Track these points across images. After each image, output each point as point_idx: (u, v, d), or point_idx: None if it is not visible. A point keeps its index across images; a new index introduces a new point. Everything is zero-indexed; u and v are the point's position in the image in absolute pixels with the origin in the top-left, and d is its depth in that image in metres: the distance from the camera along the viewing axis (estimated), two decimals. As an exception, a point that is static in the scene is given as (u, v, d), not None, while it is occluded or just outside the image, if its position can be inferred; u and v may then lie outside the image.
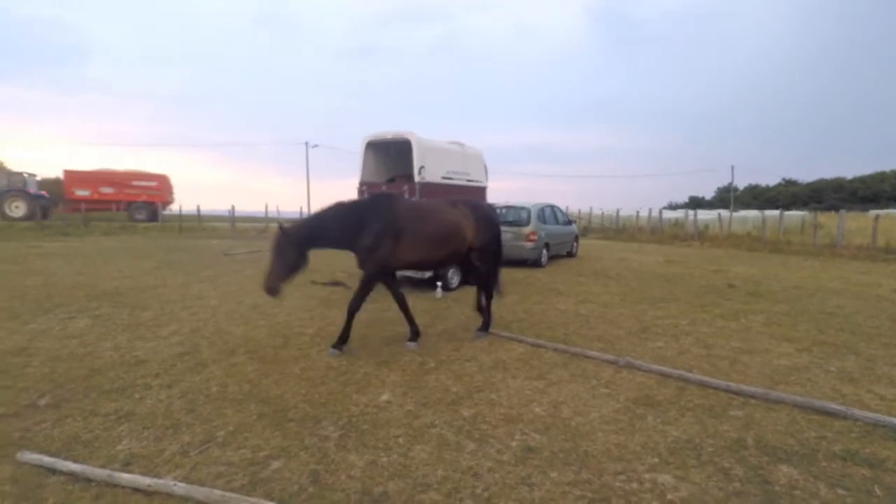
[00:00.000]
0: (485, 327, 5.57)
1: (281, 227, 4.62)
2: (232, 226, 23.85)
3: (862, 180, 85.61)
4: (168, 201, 26.93)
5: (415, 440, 3.06)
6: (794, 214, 26.15)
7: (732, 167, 51.27)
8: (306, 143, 33.67)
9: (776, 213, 22.61)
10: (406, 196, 7.82)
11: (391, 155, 8.95)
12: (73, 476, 2.60)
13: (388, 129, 8.31)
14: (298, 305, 7.10)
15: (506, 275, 10.34)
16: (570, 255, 14.40)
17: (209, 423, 3.28)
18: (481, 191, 9.59)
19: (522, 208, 12.27)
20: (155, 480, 2.50)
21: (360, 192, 8.51)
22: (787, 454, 2.88)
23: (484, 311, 5.63)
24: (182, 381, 4.02)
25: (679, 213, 25.23)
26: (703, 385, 3.97)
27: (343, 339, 4.87)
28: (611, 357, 4.63)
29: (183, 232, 22.37)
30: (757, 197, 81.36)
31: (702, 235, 20.56)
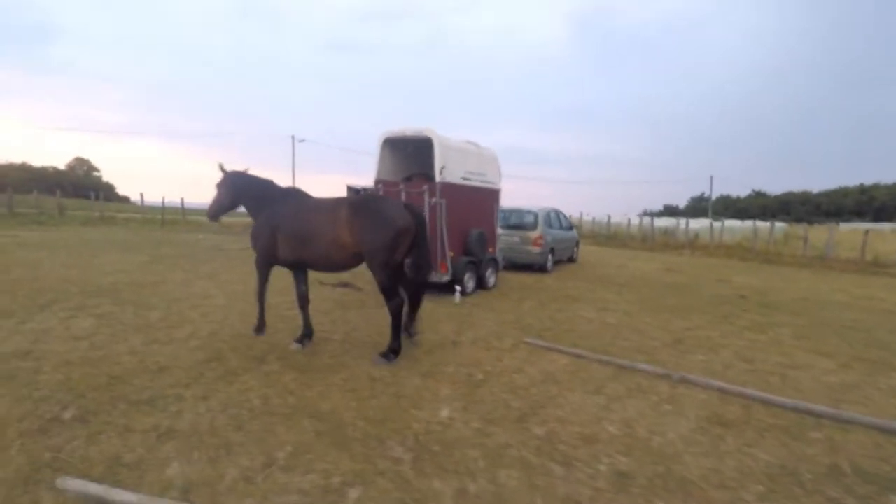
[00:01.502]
0: (388, 352, 4.61)
1: (222, 169, 5.34)
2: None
3: (826, 194, 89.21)
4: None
5: (496, 464, 2.82)
6: (778, 226, 26.80)
7: (711, 177, 52.34)
8: (293, 137, 32.90)
9: (765, 224, 23.10)
10: (427, 196, 7.56)
11: (409, 153, 8.66)
12: (128, 507, 2.28)
13: (406, 125, 8.02)
14: (314, 308, 6.72)
15: (515, 279, 10.26)
16: (571, 260, 14.34)
17: (263, 442, 2.98)
18: (496, 193, 9.39)
19: (529, 212, 12.14)
20: (232, 514, 2.20)
21: (377, 189, 8.21)
22: (889, 482, 2.76)
23: (393, 328, 4.63)
24: (217, 392, 3.69)
25: (670, 222, 25.57)
26: (767, 403, 3.85)
27: (261, 327, 5.28)
28: (663, 371, 4.48)
29: (166, 225, 21.52)
30: (728, 207, 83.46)
31: (693, 244, 20.84)
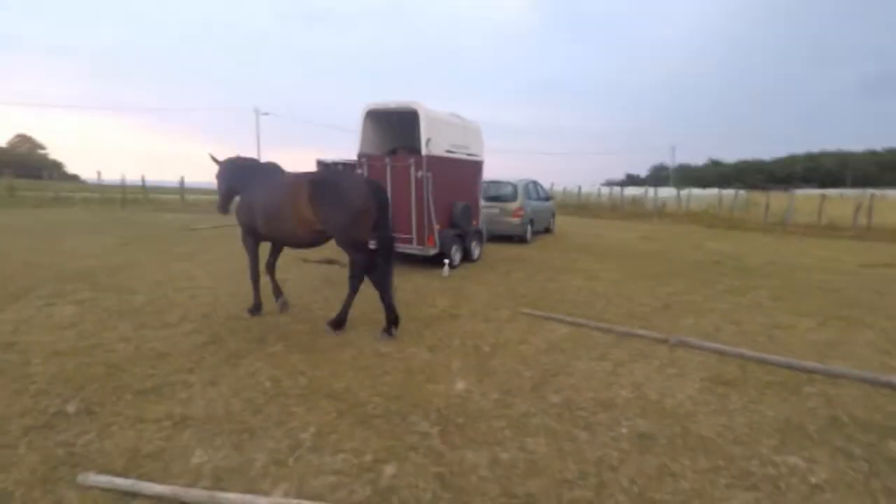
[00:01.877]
0: (388, 326, 4.60)
1: (214, 160, 5.47)
2: (182, 198, 22.11)
3: (777, 162, 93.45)
4: None
5: (522, 432, 2.88)
6: (739, 194, 27.78)
7: (673, 147, 53.80)
8: (256, 110, 31.51)
9: (728, 192, 23.92)
10: (413, 170, 7.43)
11: (393, 125, 8.43)
12: (161, 500, 2.21)
13: (390, 97, 7.82)
14: (302, 285, 6.66)
15: (498, 251, 10.31)
16: (547, 230, 14.49)
17: (284, 424, 2.93)
18: (479, 165, 9.31)
19: (508, 183, 12.14)
20: (275, 500, 2.16)
21: (360, 164, 8.00)
22: (886, 429, 2.96)
23: (385, 307, 4.61)
24: (224, 376, 3.59)
25: (638, 191, 26.13)
26: (762, 362, 4.04)
27: (257, 307, 5.23)
28: (661, 335, 4.63)
29: (127, 205, 20.46)
30: (687, 176, 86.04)
31: (661, 212, 21.42)
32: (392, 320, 4.60)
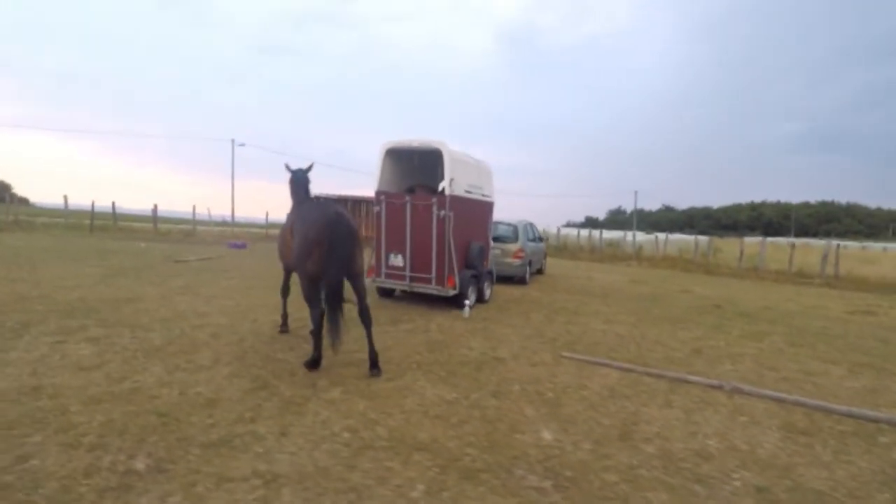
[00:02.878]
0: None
1: (288, 168, 5.67)
2: (154, 227, 21.14)
3: (724, 210, 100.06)
4: None
5: (639, 486, 2.76)
6: (703, 239, 29.24)
7: (636, 192, 56.51)
8: (232, 141, 30.99)
9: (703, 238, 25.08)
10: (436, 209, 7.40)
11: (414, 164, 8.44)
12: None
13: (412, 136, 7.84)
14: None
15: (501, 292, 10.29)
16: (540, 271, 14.65)
17: (387, 482, 2.70)
18: (491, 206, 9.40)
19: (509, 224, 12.30)
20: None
21: (378, 201, 7.91)
22: (978, 480, 3.03)
23: (314, 337, 4.55)
24: (294, 426, 3.31)
25: (617, 234, 27.05)
26: (825, 410, 4.11)
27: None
28: (714, 382, 4.66)
29: (95, 231, 19.36)
30: (642, 220, 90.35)
31: (639, 255, 22.17)
32: (315, 358, 4.51)
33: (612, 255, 23.58)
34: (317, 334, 4.51)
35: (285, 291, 5.83)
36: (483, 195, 8.96)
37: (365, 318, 4.67)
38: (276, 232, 26.33)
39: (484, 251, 8.70)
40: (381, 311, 7.07)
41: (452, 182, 7.52)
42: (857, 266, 17.66)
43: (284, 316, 5.81)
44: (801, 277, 16.93)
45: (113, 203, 21.50)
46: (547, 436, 3.39)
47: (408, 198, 7.74)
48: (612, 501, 2.61)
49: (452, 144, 7.66)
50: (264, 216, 28.39)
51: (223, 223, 28.56)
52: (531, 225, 13.66)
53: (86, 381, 3.88)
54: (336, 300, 4.51)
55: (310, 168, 5.74)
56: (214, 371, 4.31)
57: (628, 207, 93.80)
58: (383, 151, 7.98)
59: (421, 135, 8.48)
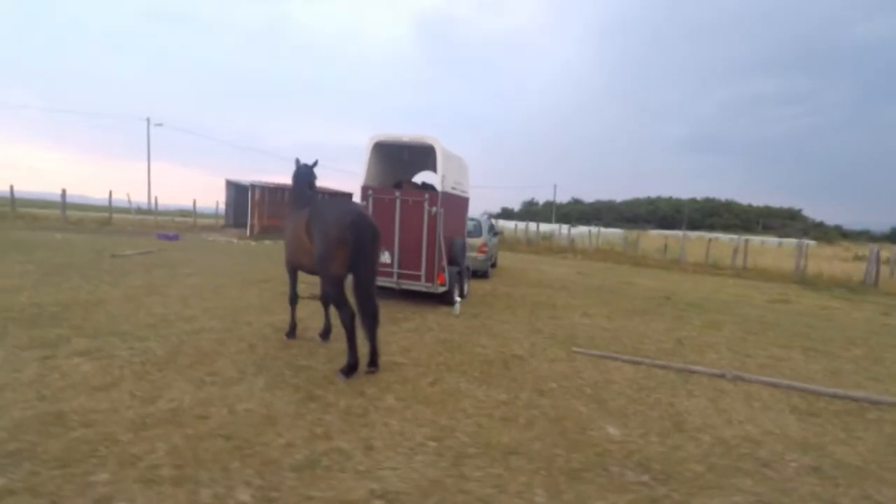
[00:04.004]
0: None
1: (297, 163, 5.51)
2: (63, 215, 18.58)
3: (626, 204, 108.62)
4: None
5: (723, 475, 3.03)
6: (617, 232, 31.65)
7: (555, 186, 59.48)
8: (148, 120, 27.89)
9: (633, 232, 27.10)
10: (427, 206, 7.34)
11: (403, 159, 8.25)
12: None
13: (401, 131, 7.67)
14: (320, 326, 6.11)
15: (471, 287, 10.44)
16: (493, 265, 15.04)
17: (504, 488, 2.72)
18: (467, 202, 9.48)
19: (472, 219, 12.46)
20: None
21: (365, 196, 7.65)
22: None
23: (349, 342, 4.35)
24: (373, 439, 3.21)
25: (552, 227, 28.36)
26: (814, 393, 4.73)
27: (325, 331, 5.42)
28: (717, 371, 5.17)
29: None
30: (554, 212, 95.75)
31: (573, 249, 23.51)
32: (351, 364, 4.32)
33: (548, 247, 24.77)
34: (351, 338, 4.34)
35: (295, 298, 5.44)
36: (463, 191, 9.03)
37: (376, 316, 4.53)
38: (208, 222, 24.42)
39: (464, 247, 8.80)
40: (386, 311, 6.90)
41: (444, 179, 7.51)
42: (752, 258, 20.19)
43: (294, 324, 5.44)
44: (715, 269, 19.01)
45: (11, 187, 18.48)
46: (613, 431, 3.59)
47: (397, 193, 7.60)
48: (711, 490, 2.86)
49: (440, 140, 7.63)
50: (167, 202, 25.86)
51: (148, 211, 25.75)
52: (490, 219, 13.96)
53: (111, 402, 3.44)
54: (369, 301, 4.40)
55: (315, 164, 5.51)
56: (247, 384, 4.01)
57: (540, 199, 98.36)
58: (371, 145, 7.74)
59: (410, 130, 8.31)
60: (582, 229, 27.53)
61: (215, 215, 25.16)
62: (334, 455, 2.98)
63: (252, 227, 20.74)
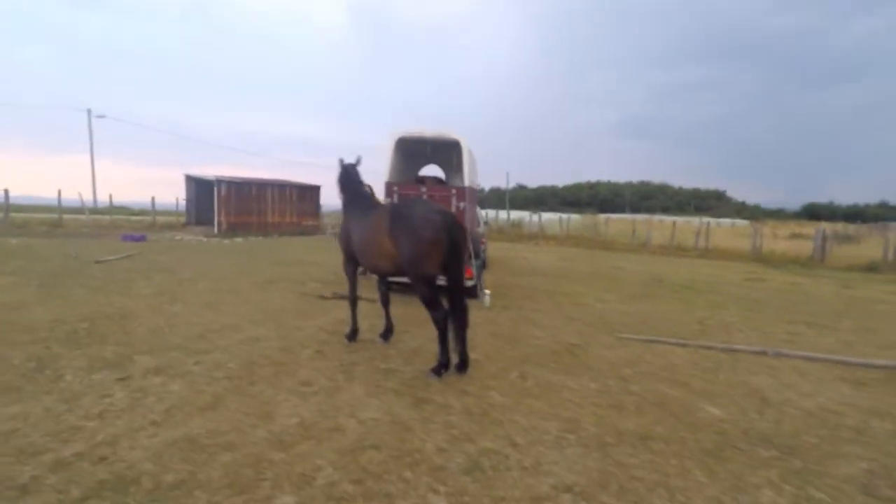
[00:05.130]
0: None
1: (341, 163, 5.47)
2: (6, 216, 16.80)
3: (568, 189, 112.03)
4: None
5: (833, 444, 3.35)
6: (575, 217, 32.84)
7: (507, 173, 60.55)
8: (88, 111, 25.56)
9: (602, 216, 28.11)
10: (455, 201, 7.36)
11: (426, 155, 8.15)
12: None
13: (422, 126, 7.59)
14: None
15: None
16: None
17: (667, 474, 2.89)
18: (476, 194, 9.56)
19: (467, 211, 12.56)
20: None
21: (390, 192, 7.54)
22: None
23: (440, 342, 4.38)
24: (514, 436, 3.28)
25: (522, 214, 28.91)
26: (845, 364, 5.25)
27: (389, 330, 5.39)
28: (759, 348, 5.61)
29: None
30: (500, 198, 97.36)
31: (544, 235, 24.16)
32: (443, 363, 4.36)
33: (518, 234, 25.31)
34: (443, 338, 4.36)
35: (355, 300, 5.36)
36: (476, 184, 9.09)
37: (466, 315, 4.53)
38: (167, 220, 22.80)
39: (480, 240, 8.89)
40: (403, 308, 6.88)
41: (469, 173, 7.54)
42: (699, 239, 21.68)
43: (356, 328, 5.33)
44: (681, 251, 20.20)
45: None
46: (714, 411, 3.85)
47: (424, 189, 7.55)
48: (836, 459, 3.15)
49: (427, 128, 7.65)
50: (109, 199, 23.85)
51: (103, 210, 23.62)
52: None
53: (230, 422, 3.28)
54: (462, 300, 4.43)
55: (358, 162, 5.42)
56: (348, 392, 3.93)
57: (486, 186, 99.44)
58: (393, 141, 7.62)
59: (431, 125, 8.25)
60: (551, 216, 28.31)
61: (175, 212, 23.61)
62: (490, 455, 3.03)
63: (219, 224, 19.71)
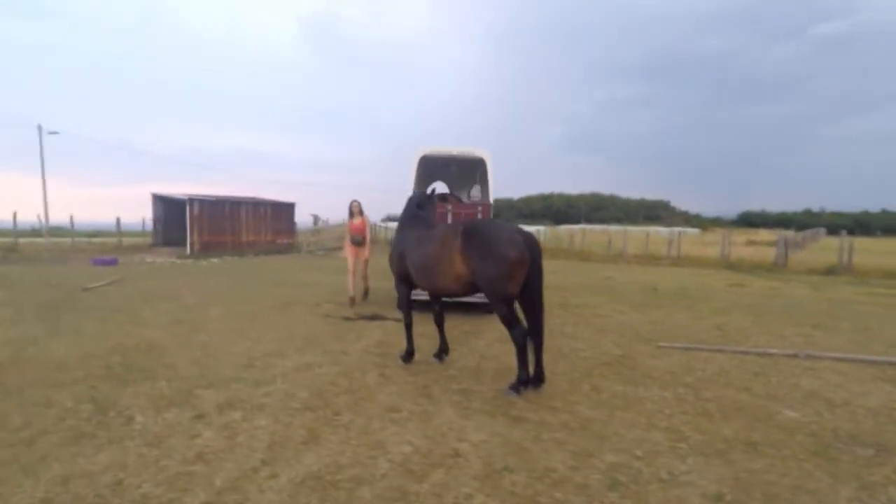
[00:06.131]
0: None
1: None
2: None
3: (522, 201, 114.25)
4: None
5: (914, 439, 3.59)
6: (573, 228, 33.77)
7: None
8: (39, 127, 23.82)
9: (576, 227, 28.80)
10: (481, 217, 7.39)
11: (451, 171, 8.13)
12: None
13: (446, 144, 7.59)
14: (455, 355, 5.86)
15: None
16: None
17: (796, 476, 2.99)
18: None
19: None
20: None
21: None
22: None
23: (519, 359, 4.33)
24: (631, 450, 3.30)
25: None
26: (874, 363, 5.61)
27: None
28: (791, 351, 5.91)
29: None
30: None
31: (521, 248, 24.56)
32: (522, 379, 4.33)
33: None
34: (523, 355, 4.34)
35: (410, 323, 5.28)
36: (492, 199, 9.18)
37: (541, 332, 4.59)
38: (135, 241, 21.41)
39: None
40: (430, 327, 6.81)
41: (493, 189, 7.62)
42: (671, 248, 22.78)
43: (411, 351, 5.26)
44: (655, 259, 21.06)
45: None
46: (792, 414, 4.02)
47: (448, 207, 7.55)
48: (927, 452, 3.38)
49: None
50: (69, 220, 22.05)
51: (67, 232, 21.79)
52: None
53: (347, 457, 3.14)
54: (540, 318, 4.46)
55: (433, 191, 5.76)
56: (439, 416, 3.83)
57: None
58: (417, 159, 7.59)
59: (457, 143, 8.29)
60: (532, 228, 28.82)
61: (141, 233, 22.23)
62: (622, 470, 3.03)
63: (192, 244, 18.80)
